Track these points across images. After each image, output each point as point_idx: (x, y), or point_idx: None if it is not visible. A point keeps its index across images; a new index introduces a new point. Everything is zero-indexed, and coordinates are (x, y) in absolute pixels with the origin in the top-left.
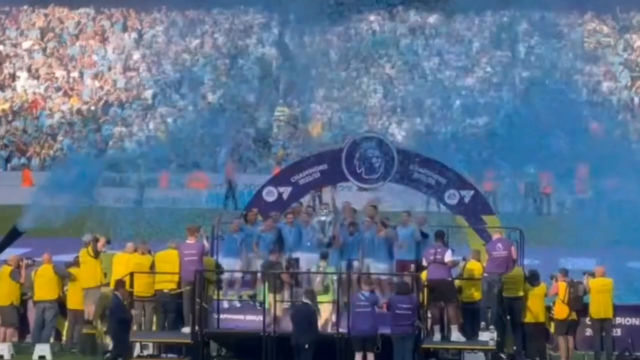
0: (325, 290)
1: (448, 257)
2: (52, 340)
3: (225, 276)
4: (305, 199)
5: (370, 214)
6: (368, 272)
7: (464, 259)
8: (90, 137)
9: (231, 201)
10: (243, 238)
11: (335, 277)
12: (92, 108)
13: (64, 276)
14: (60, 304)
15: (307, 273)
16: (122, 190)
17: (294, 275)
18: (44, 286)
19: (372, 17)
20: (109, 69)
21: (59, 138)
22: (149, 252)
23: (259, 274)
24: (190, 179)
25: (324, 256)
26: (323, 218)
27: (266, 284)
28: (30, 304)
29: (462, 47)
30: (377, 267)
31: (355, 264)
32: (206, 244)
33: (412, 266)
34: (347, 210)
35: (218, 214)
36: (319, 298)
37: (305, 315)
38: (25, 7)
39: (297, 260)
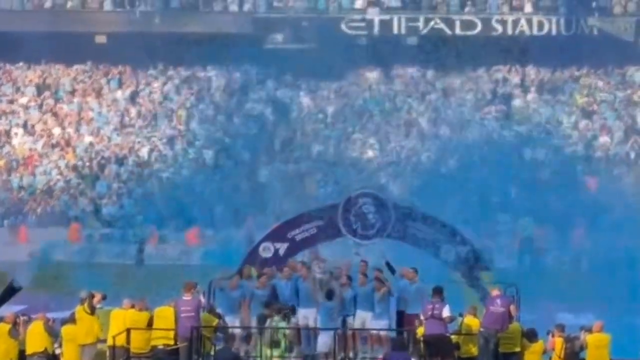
0: (276, 345)
1: (446, 312)
2: None
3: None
4: (301, 255)
5: (362, 270)
6: (363, 328)
7: (460, 315)
8: (86, 194)
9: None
10: (241, 295)
11: (286, 332)
12: (88, 164)
13: (52, 334)
14: (50, 358)
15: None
16: (120, 247)
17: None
18: (34, 342)
19: (367, 73)
20: (105, 125)
21: (55, 194)
22: (146, 308)
23: (253, 329)
24: (186, 236)
25: (277, 311)
26: (319, 276)
27: (261, 339)
28: None
29: (457, 102)
30: (379, 324)
31: (350, 320)
32: (202, 299)
33: (417, 322)
34: (344, 266)
35: (221, 273)
36: (269, 352)
37: None
38: (21, 63)
39: (293, 307)
